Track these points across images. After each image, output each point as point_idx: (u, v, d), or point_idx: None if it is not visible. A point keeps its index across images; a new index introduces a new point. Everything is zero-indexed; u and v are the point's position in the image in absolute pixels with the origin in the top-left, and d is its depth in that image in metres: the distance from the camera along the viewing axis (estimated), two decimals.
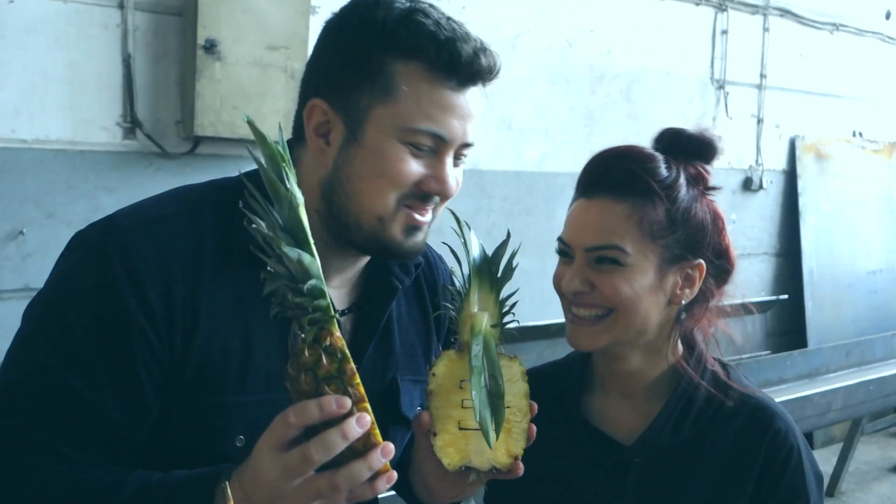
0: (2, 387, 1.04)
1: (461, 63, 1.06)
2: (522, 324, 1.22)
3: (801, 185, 5.49)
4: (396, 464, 1.22)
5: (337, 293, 1.19)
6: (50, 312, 1.05)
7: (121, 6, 3.09)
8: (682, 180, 1.22)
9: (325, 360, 0.92)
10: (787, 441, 1.23)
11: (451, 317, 1.09)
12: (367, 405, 0.94)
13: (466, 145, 1.12)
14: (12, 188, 2.95)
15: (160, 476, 1.00)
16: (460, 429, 1.07)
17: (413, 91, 1.06)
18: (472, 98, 1.09)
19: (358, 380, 0.94)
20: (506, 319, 1.10)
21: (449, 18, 1.09)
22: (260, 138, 0.92)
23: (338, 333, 0.95)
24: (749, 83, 5.22)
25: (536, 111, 4.28)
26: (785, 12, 5.31)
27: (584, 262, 1.20)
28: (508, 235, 1.13)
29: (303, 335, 0.93)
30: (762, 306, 5.09)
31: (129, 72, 3.11)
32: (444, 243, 1.19)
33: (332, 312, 0.94)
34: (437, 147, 1.09)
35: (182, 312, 1.04)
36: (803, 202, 5.48)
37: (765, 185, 5.32)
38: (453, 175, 1.11)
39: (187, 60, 3.12)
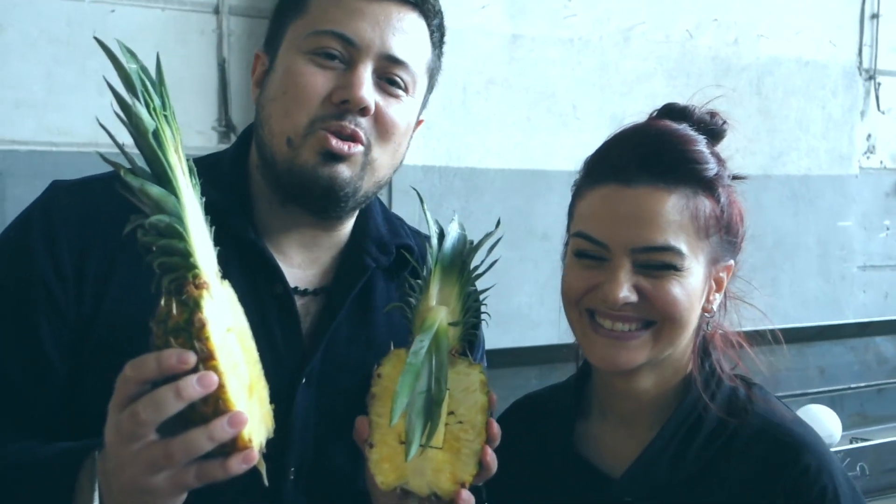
0: None
1: None
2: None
3: None
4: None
5: (302, 273, 1.13)
6: None
7: (216, 11, 3.13)
8: (723, 169, 1.04)
9: (175, 311, 0.82)
10: (817, 481, 0.98)
11: (408, 313, 0.97)
12: (219, 364, 0.81)
13: (393, 60, 1.05)
14: None
15: (43, 446, 0.94)
16: (401, 443, 0.91)
17: (321, 2, 1.06)
18: (389, 11, 1.06)
19: (208, 333, 0.81)
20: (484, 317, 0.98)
21: None
22: (112, 59, 0.85)
23: (200, 282, 0.83)
24: None
25: (653, 108, 3.97)
26: None
27: (629, 266, 1.00)
28: (498, 224, 0.98)
29: (158, 283, 0.84)
30: None
31: (224, 76, 3.14)
32: (416, 232, 1.06)
33: (194, 258, 0.84)
34: (349, 55, 1.04)
35: (97, 268, 1.01)
36: None
37: None
38: (368, 85, 1.04)
39: None
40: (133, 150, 0.98)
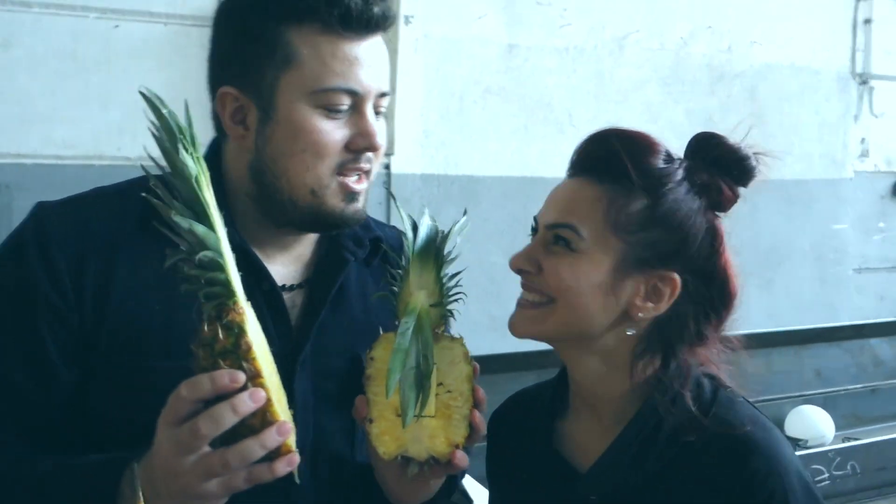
0: None
1: (353, 15, 1.06)
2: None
3: None
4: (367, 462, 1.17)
5: (285, 270, 1.20)
6: None
7: None
8: (678, 179, 1.08)
9: (221, 335, 0.90)
10: (766, 484, 1.00)
11: (392, 300, 1.06)
12: (265, 381, 0.91)
13: (383, 94, 1.11)
14: None
15: (76, 459, 0.99)
16: (398, 416, 1.00)
17: (313, 52, 1.07)
18: (374, 47, 1.10)
19: (254, 355, 0.91)
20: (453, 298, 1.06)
21: None
22: (153, 108, 0.92)
23: (240, 308, 0.92)
24: None
25: (648, 115, 4.04)
26: None
27: (541, 242, 1.10)
28: (465, 213, 1.09)
29: (203, 310, 0.92)
30: None
31: None
32: (391, 227, 1.17)
33: (233, 287, 0.92)
34: (355, 103, 1.08)
35: (94, 278, 1.05)
36: None
37: None
38: (377, 126, 1.10)
39: None
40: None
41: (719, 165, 1.11)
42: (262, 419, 0.90)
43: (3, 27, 2.95)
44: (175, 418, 0.89)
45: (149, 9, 3.10)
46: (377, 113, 1.13)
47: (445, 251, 1.06)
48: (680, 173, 1.09)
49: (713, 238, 1.10)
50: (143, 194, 0.93)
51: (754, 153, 1.14)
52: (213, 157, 1.20)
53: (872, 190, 4.71)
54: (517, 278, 1.12)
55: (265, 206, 1.14)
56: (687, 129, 4.05)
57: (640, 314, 1.07)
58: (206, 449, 0.89)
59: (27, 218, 1.12)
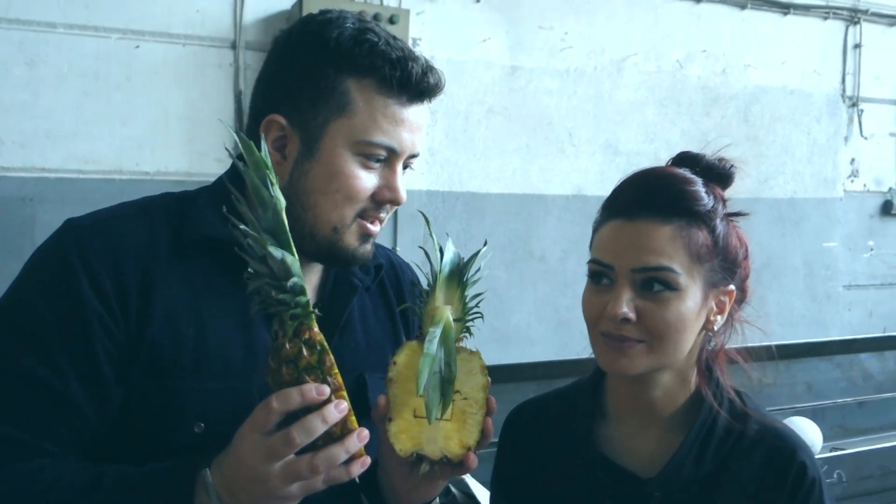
0: None
1: (412, 81, 1.15)
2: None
3: None
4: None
5: None
6: (13, 311, 1.10)
7: (233, 46, 3.33)
8: (719, 205, 1.19)
9: (305, 353, 0.99)
10: (809, 474, 1.18)
11: (417, 312, 1.14)
12: (345, 393, 1.00)
13: (413, 155, 1.20)
14: None
15: (137, 468, 1.05)
16: (416, 416, 1.09)
17: (367, 106, 1.14)
18: (419, 112, 1.18)
19: (336, 370, 1.01)
20: (470, 317, 1.14)
21: (394, 37, 1.17)
22: (247, 147, 0.99)
23: (316, 328, 1.01)
24: (887, 99, 4.86)
25: (645, 135, 4.19)
26: None
27: (630, 286, 1.15)
28: (485, 243, 1.18)
29: (283, 330, 1.00)
30: None
31: (241, 107, 3.33)
32: (420, 247, 1.24)
33: (311, 308, 1.01)
34: (389, 158, 1.16)
35: (136, 301, 1.09)
36: None
37: None
38: (403, 183, 1.19)
39: None
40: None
41: (710, 180, 1.23)
42: (341, 427, 0.99)
43: (29, 47, 3.08)
44: (263, 428, 0.97)
45: (168, 30, 3.23)
46: (405, 167, 1.20)
47: (469, 274, 1.14)
48: (717, 198, 1.19)
49: (743, 245, 1.22)
50: (232, 226, 0.99)
51: (728, 161, 1.25)
52: (221, 190, 1.17)
53: (862, 209, 4.84)
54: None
55: None
56: (683, 149, 4.17)
57: (714, 328, 1.19)
58: (292, 455, 0.97)
59: (61, 235, 1.13)
